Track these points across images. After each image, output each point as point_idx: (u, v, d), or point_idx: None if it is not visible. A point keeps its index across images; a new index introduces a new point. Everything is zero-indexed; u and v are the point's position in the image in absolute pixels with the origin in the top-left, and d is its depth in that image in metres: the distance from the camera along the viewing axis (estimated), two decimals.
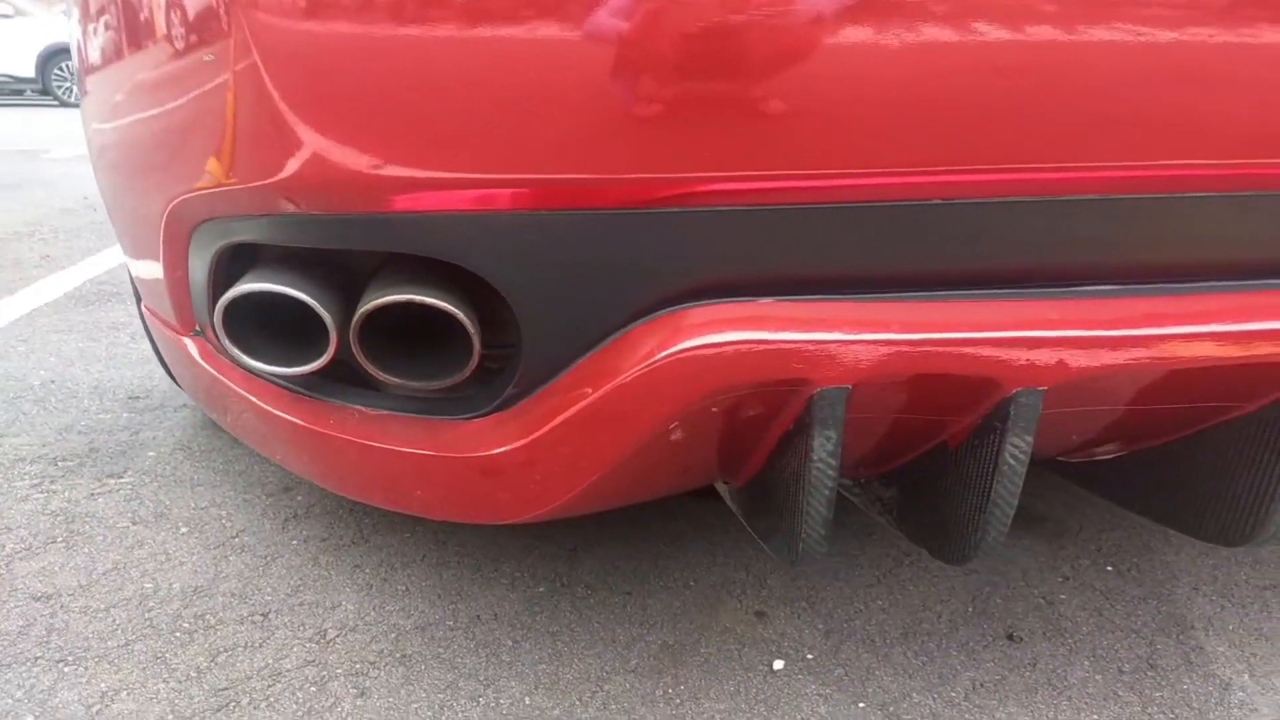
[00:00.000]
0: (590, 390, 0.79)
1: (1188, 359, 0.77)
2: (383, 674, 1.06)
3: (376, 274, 0.85)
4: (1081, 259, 0.77)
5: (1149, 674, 1.08)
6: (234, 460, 1.55)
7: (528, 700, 1.02)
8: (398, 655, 1.09)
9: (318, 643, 1.11)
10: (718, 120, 0.68)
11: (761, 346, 0.74)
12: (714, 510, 1.41)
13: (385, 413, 0.91)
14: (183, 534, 1.33)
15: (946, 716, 1.00)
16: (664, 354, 0.75)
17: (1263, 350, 0.78)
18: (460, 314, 0.80)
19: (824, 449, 0.79)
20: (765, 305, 0.76)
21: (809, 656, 1.10)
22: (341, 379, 0.94)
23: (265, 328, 0.90)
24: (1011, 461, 0.81)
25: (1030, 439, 0.79)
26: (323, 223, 0.78)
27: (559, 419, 0.81)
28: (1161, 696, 1.05)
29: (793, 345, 0.74)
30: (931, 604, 1.20)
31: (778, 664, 1.09)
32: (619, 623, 1.15)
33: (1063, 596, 1.21)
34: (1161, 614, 1.18)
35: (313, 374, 0.90)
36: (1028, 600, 1.21)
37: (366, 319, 0.81)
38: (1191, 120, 0.71)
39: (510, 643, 1.12)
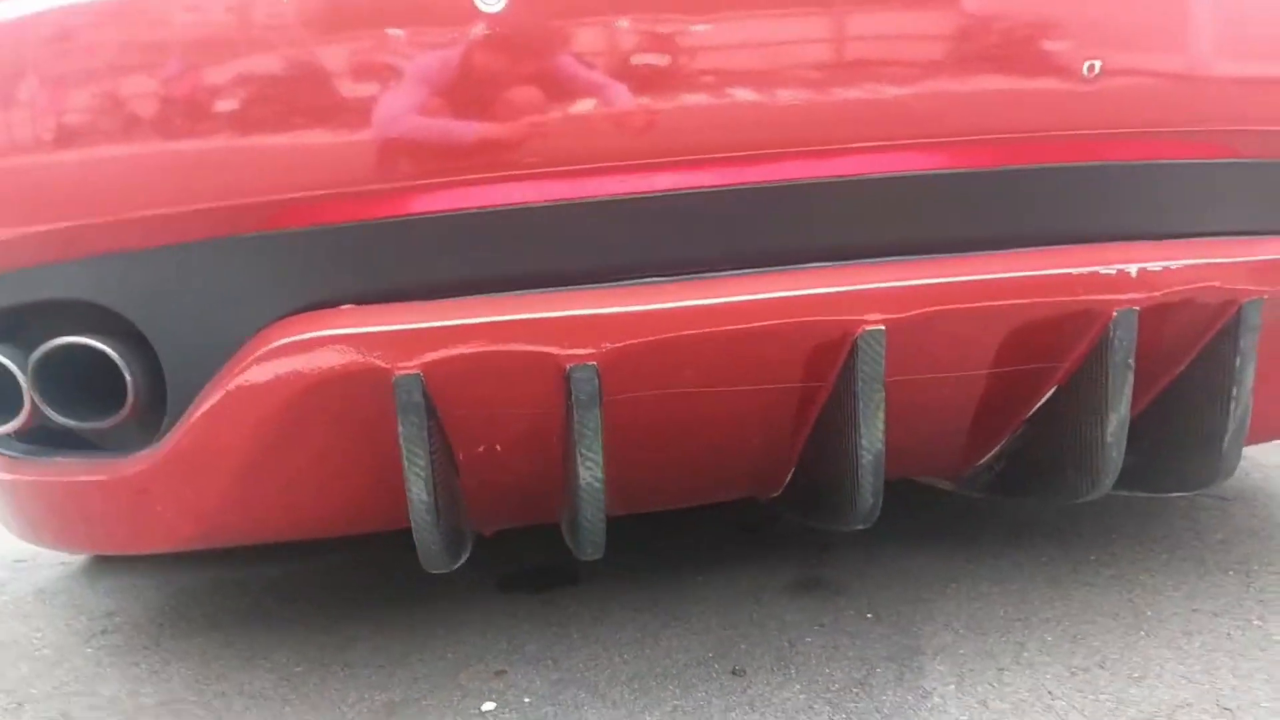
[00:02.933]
0: (213, 397, 0.91)
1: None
2: None
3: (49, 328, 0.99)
4: (621, 258, 0.89)
5: (855, 690, 1.07)
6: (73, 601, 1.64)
7: None
8: None
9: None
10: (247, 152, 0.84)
11: (339, 337, 0.86)
12: (500, 597, 1.45)
13: (70, 458, 1.02)
14: None
15: None
16: (262, 350, 0.87)
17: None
18: (106, 349, 0.93)
19: (414, 436, 0.88)
20: (347, 310, 0.89)
21: (526, 700, 1.11)
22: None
23: None
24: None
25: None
26: None
27: (187, 425, 0.92)
28: (856, 707, 1.04)
29: (363, 335, 0.86)
30: (675, 653, 1.21)
31: (487, 705, 1.10)
32: (354, 689, 1.18)
33: (808, 639, 1.22)
34: (896, 645, 1.18)
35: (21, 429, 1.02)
36: (771, 645, 1.21)
37: (40, 367, 0.94)
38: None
39: (240, 708, 1.15)
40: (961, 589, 1.34)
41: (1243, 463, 1.93)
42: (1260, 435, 1.24)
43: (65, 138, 0.89)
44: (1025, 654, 1.14)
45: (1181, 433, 1.08)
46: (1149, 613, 1.23)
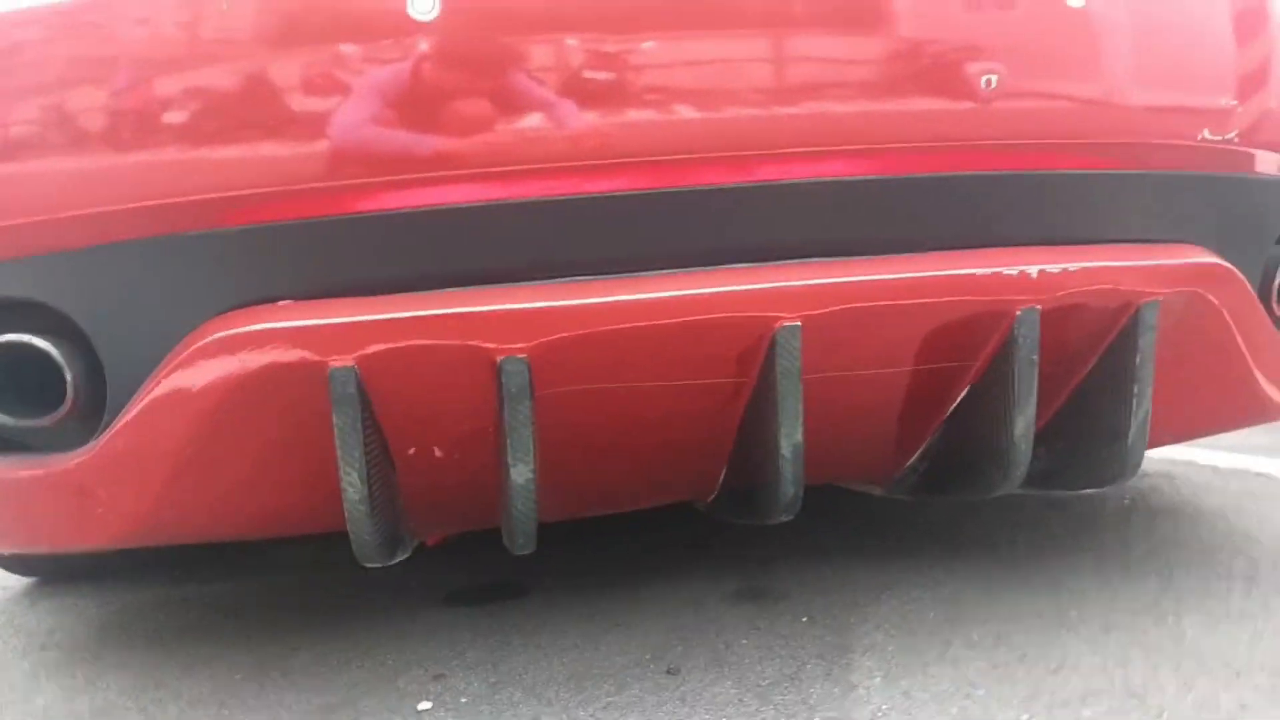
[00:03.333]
0: (150, 393, 0.93)
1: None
2: None
3: None
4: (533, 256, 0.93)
5: (784, 685, 1.10)
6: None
7: None
8: None
9: None
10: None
11: (274, 331, 0.89)
12: (445, 610, 1.46)
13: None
14: None
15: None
16: (198, 344, 0.90)
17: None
18: (47, 346, 0.95)
19: (348, 427, 0.91)
20: (283, 305, 0.92)
21: (463, 700, 1.13)
22: None
23: None
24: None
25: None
26: None
27: (125, 421, 0.94)
28: (784, 699, 1.06)
29: (299, 328, 0.89)
30: (613, 656, 1.23)
31: (424, 705, 1.12)
32: (291, 693, 1.19)
33: (743, 641, 1.24)
34: (827, 644, 1.21)
35: None
36: (707, 647, 1.23)
37: None
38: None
39: (175, 713, 1.15)
40: (896, 595, 1.37)
41: (1174, 481, 2.03)
42: (1163, 438, 1.30)
43: (7, 143, 0.93)
44: (951, 650, 1.17)
45: (1090, 431, 1.13)
46: (1073, 613, 1.27)
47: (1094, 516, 1.77)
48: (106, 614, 1.61)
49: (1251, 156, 1.14)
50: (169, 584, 1.75)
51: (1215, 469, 2.19)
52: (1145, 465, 2.18)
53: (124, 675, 1.29)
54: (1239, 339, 1.13)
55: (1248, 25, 1.13)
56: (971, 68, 0.96)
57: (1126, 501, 1.89)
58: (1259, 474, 2.09)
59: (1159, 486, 2.02)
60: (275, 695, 1.18)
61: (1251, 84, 1.13)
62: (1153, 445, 1.36)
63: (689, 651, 1.22)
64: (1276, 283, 1.20)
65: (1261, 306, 1.16)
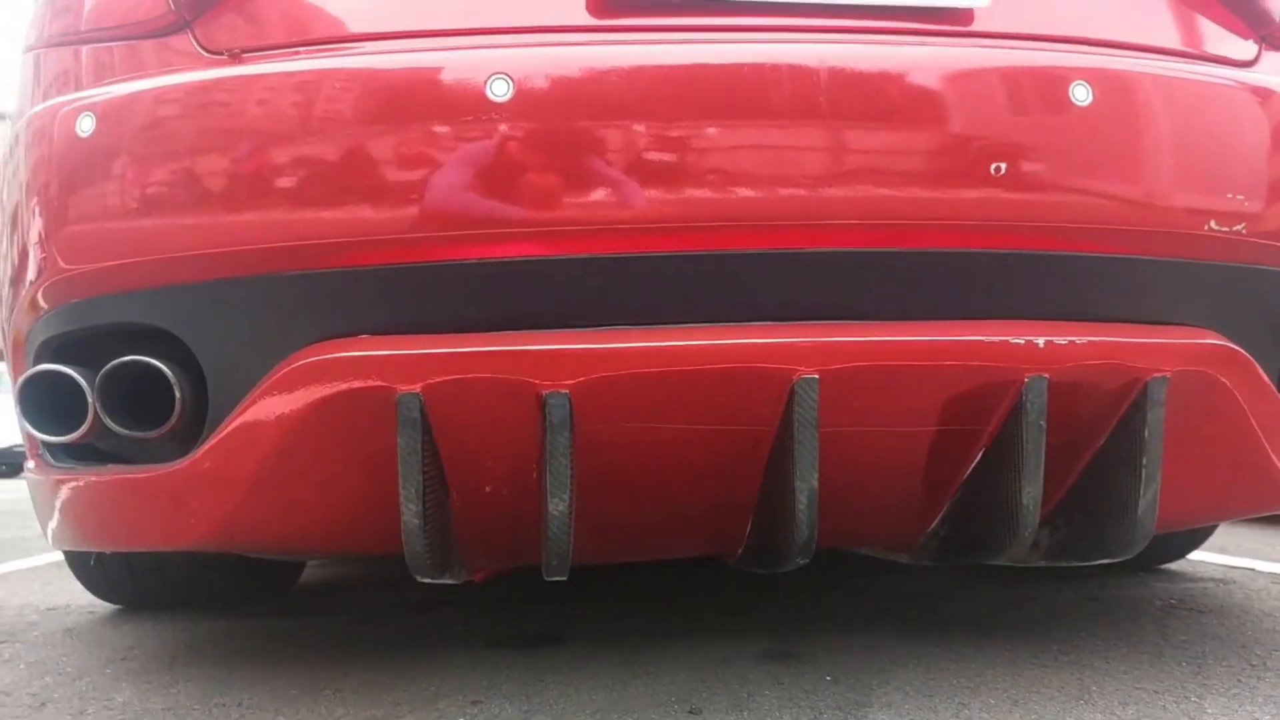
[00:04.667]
0: (245, 412, 1.07)
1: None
2: None
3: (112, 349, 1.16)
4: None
5: None
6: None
7: None
8: None
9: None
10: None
11: (352, 359, 1.04)
12: (486, 651, 1.55)
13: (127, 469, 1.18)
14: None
15: None
16: (288, 369, 1.04)
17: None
18: (163, 367, 1.10)
19: (410, 449, 1.03)
20: (362, 339, 1.06)
21: None
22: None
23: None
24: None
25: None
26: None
27: (223, 435, 1.08)
28: None
29: (373, 358, 1.03)
30: (640, 696, 1.29)
31: None
32: (340, 706, 1.28)
33: (765, 692, 1.29)
34: (846, 699, 1.25)
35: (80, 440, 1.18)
36: (731, 695, 1.29)
37: (105, 383, 1.12)
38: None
39: (237, 715, 1.25)
40: (921, 664, 1.41)
41: (1228, 585, 2.00)
42: (1183, 518, 1.33)
43: (145, 195, 1.11)
44: (966, 711, 1.20)
45: (1103, 502, 1.18)
46: (1094, 689, 1.29)
47: (1136, 610, 1.77)
48: (180, 636, 1.74)
49: (1266, 249, 1.21)
50: (237, 617, 1.88)
51: (1274, 575, 2.15)
52: (1200, 570, 2.21)
53: (193, 684, 1.41)
54: (1253, 422, 1.18)
55: (1259, 125, 1.22)
56: (983, 156, 1.07)
57: (1174, 601, 1.88)
58: None
59: (1211, 590, 1.99)
60: (326, 707, 1.28)
61: (1263, 180, 1.20)
62: (1172, 526, 1.40)
63: (712, 698, 1.28)
64: None
65: (1276, 392, 1.21)
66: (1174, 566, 2.25)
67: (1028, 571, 2.12)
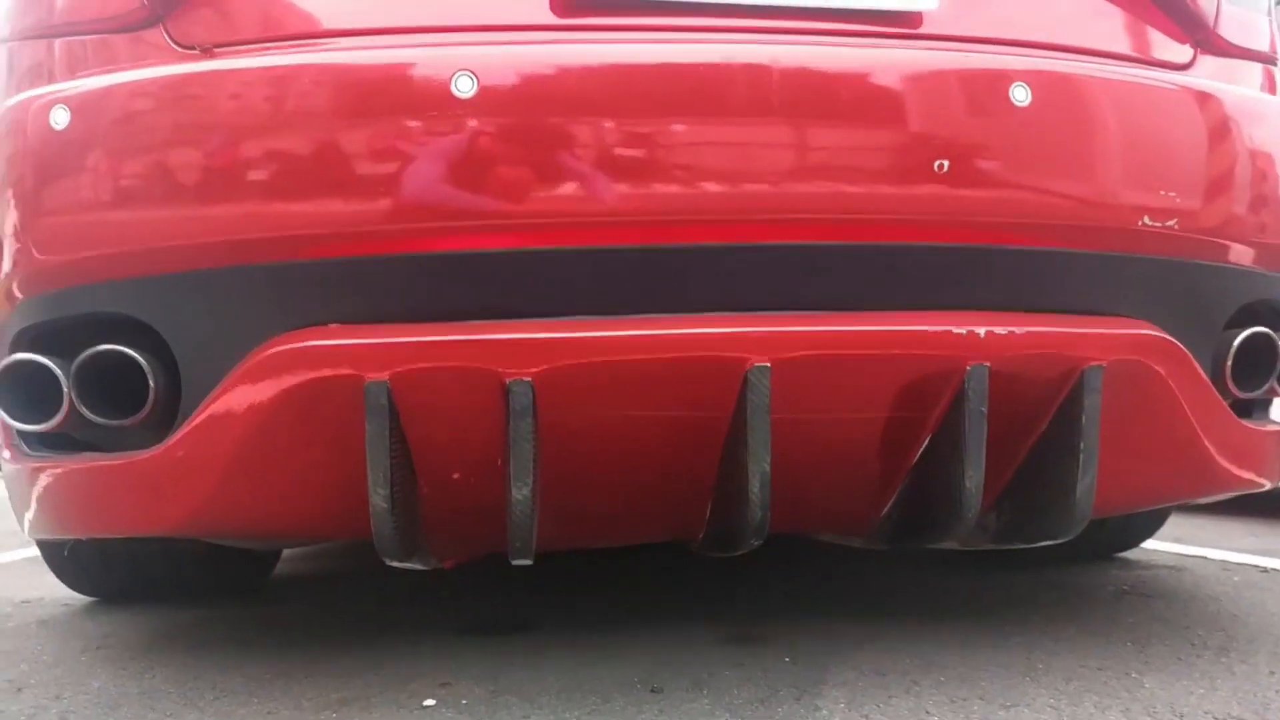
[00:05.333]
0: (218, 399, 1.10)
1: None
2: None
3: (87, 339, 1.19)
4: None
5: (755, 704, 1.19)
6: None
7: None
8: None
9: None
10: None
11: (323, 348, 1.07)
12: (455, 638, 1.58)
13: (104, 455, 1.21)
14: None
15: None
16: (257, 357, 1.08)
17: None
18: (138, 356, 1.13)
19: (378, 435, 1.07)
20: (333, 328, 1.10)
21: (464, 702, 1.24)
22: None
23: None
24: None
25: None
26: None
27: (196, 421, 1.11)
28: (754, 715, 1.16)
29: (343, 346, 1.07)
30: (604, 676, 1.33)
31: (429, 702, 1.23)
32: (312, 689, 1.31)
33: (725, 672, 1.34)
34: (802, 677, 1.30)
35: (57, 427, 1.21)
36: (691, 674, 1.33)
37: (80, 372, 1.14)
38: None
39: (211, 698, 1.29)
40: (876, 645, 1.46)
41: (1179, 572, 2.07)
42: (1122, 502, 1.39)
43: (119, 188, 1.13)
44: (916, 687, 1.25)
45: (1044, 487, 1.23)
46: (1040, 666, 1.34)
47: (1089, 596, 1.83)
48: (154, 626, 1.76)
49: (1198, 244, 1.27)
50: (210, 608, 1.90)
51: (1224, 563, 2.22)
52: (1154, 558, 2.28)
53: (167, 669, 1.44)
54: (1187, 410, 1.23)
55: (1193, 126, 1.27)
56: (928, 153, 1.12)
57: (1126, 587, 1.94)
58: (1266, 569, 2.12)
59: (1162, 576, 2.06)
60: (299, 689, 1.31)
61: (1197, 179, 1.26)
62: (1112, 510, 1.46)
63: (674, 677, 1.32)
64: (1228, 364, 1.30)
65: (1209, 382, 1.26)
66: (1130, 555, 2.32)
67: (988, 561, 2.18)
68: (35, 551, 2.94)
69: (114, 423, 1.17)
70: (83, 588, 1.99)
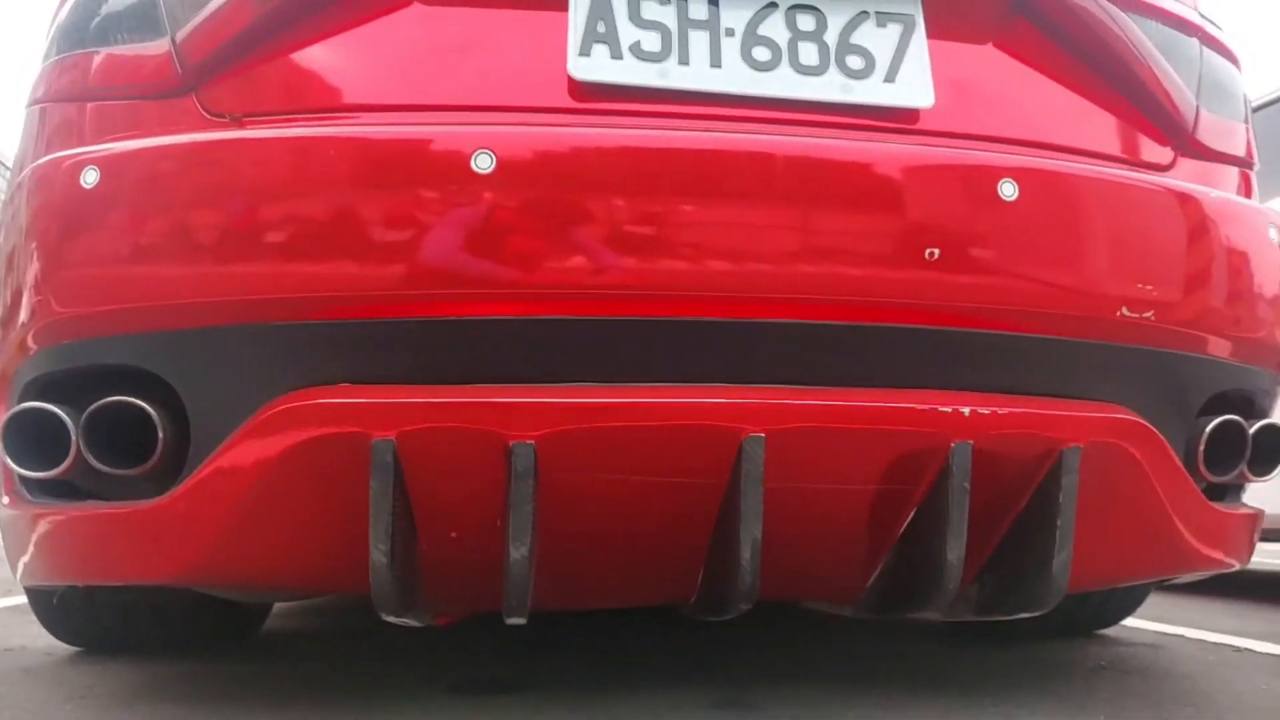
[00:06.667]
0: (225, 453, 1.14)
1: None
2: None
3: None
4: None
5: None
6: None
7: None
8: None
9: None
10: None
11: (332, 406, 1.11)
12: (446, 695, 1.59)
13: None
14: None
15: None
16: (268, 412, 1.12)
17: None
18: (148, 407, 1.16)
19: (382, 492, 1.10)
20: (342, 387, 1.14)
21: None
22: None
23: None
24: None
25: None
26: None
27: (203, 473, 1.14)
28: None
29: (352, 405, 1.11)
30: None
31: None
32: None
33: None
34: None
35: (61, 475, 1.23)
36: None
37: (90, 421, 1.18)
38: None
39: None
40: (861, 713, 1.48)
41: (1157, 650, 2.10)
42: (1096, 578, 1.43)
43: (138, 245, 1.18)
44: None
45: (1023, 561, 1.28)
46: None
47: (1067, 670, 1.86)
48: (140, 677, 1.76)
49: (1174, 335, 1.33)
50: (199, 661, 1.90)
51: (1201, 642, 2.25)
52: (1134, 636, 2.31)
53: (153, 718, 1.44)
54: (1159, 491, 1.29)
55: (1172, 223, 1.35)
56: (920, 242, 1.19)
57: (1104, 663, 1.97)
58: (1240, 649, 2.15)
59: (1140, 653, 2.09)
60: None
61: (1174, 273, 1.33)
62: (1088, 585, 1.50)
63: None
64: (1200, 449, 1.36)
65: (1181, 466, 1.32)
66: (1110, 632, 2.35)
67: (973, 636, 2.21)
68: (18, 600, 2.91)
69: (121, 472, 1.19)
70: (69, 637, 1.98)
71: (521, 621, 1.24)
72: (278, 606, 2.50)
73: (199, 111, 1.25)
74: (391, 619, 1.25)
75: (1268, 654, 2.10)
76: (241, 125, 1.23)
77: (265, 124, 1.22)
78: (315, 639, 2.32)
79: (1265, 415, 1.51)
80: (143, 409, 1.17)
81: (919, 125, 1.29)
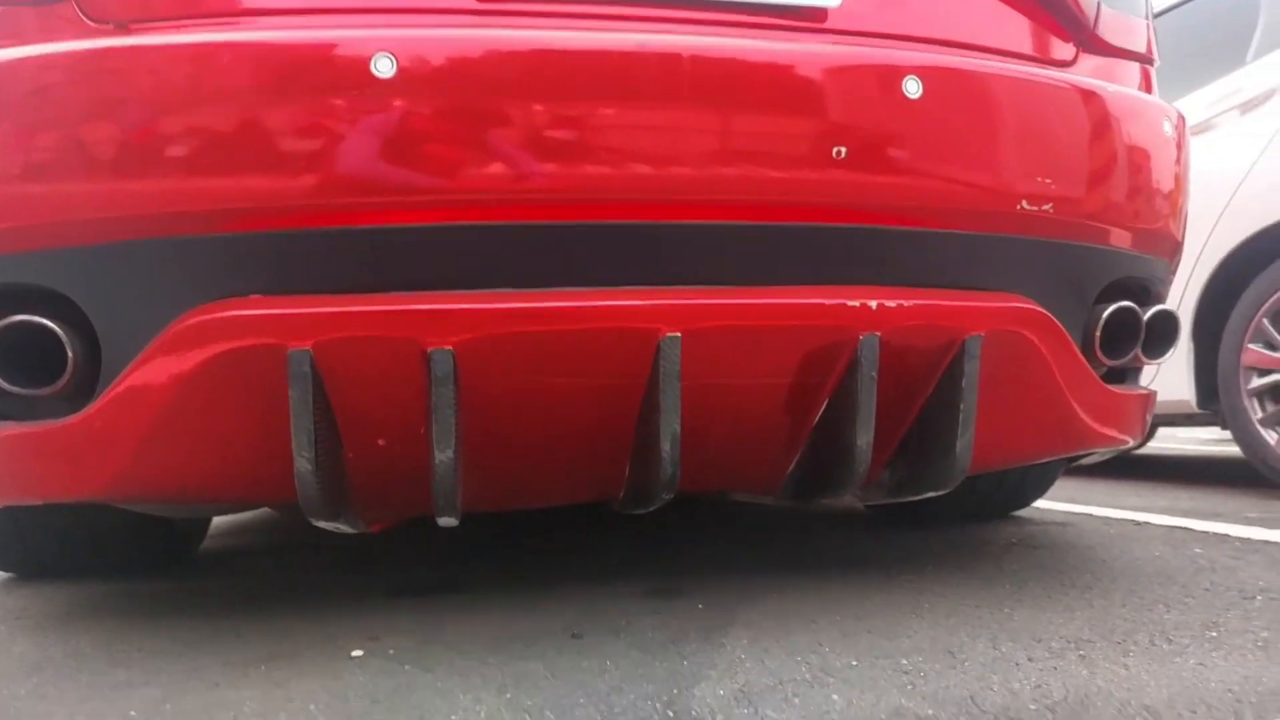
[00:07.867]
0: (137, 368, 1.13)
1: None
2: None
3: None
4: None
5: (666, 644, 1.29)
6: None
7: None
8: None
9: None
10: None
11: (246, 318, 1.11)
12: (385, 599, 1.64)
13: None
14: None
15: (463, 665, 1.21)
16: (181, 327, 1.11)
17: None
18: (55, 326, 1.14)
19: (301, 401, 1.11)
20: (255, 299, 1.13)
21: (391, 652, 1.30)
22: None
23: None
24: None
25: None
26: None
27: (116, 390, 1.14)
28: (664, 651, 1.25)
29: (266, 316, 1.11)
30: (530, 628, 1.40)
31: (356, 652, 1.29)
32: (240, 648, 1.36)
33: (643, 619, 1.43)
34: (711, 621, 1.40)
35: None
36: (611, 622, 1.42)
37: None
38: None
39: (140, 659, 1.32)
40: (784, 593, 1.57)
41: (1065, 528, 2.24)
42: (1001, 457, 1.52)
43: (33, 161, 1.14)
44: (814, 625, 1.36)
45: (930, 445, 1.35)
46: (926, 606, 1.47)
47: (980, 549, 1.98)
48: (76, 597, 1.77)
49: (1072, 226, 1.39)
50: (135, 581, 1.91)
51: (1106, 519, 2.41)
52: (1046, 516, 2.45)
53: (91, 635, 1.46)
54: (1057, 375, 1.36)
55: (1073, 118, 1.39)
56: (827, 141, 1.21)
57: (1015, 540, 2.10)
58: (1140, 523, 2.31)
59: (1049, 531, 2.23)
60: (227, 646, 1.36)
61: (1074, 167, 1.38)
62: (991, 465, 1.59)
63: (594, 625, 1.41)
64: (1097, 335, 1.44)
65: (1078, 351, 1.39)
66: (1024, 513, 2.50)
67: (893, 522, 2.33)
68: None
69: (32, 392, 1.18)
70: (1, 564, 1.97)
71: (454, 523, 1.28)
72: (212, 528, 2.50)
73: (79, 17, 1.19)
74: (323, 525, 1.27)
75: (1164, 525, 2.26)
76: (128, 31, 1.18)
77: (153, 30, 1.18)
78: (252, 555, 2.34)
79: (1159, 301, 1.59)
80: (50, 328, 1.15)
81: (826, 24, 1.30)
